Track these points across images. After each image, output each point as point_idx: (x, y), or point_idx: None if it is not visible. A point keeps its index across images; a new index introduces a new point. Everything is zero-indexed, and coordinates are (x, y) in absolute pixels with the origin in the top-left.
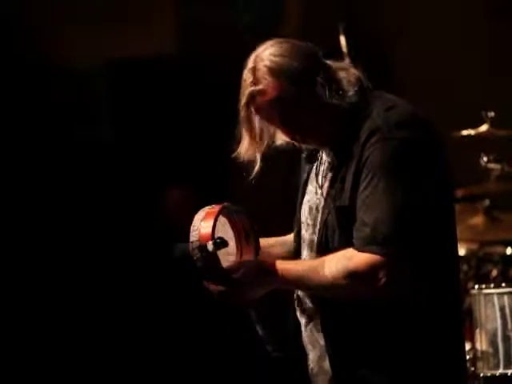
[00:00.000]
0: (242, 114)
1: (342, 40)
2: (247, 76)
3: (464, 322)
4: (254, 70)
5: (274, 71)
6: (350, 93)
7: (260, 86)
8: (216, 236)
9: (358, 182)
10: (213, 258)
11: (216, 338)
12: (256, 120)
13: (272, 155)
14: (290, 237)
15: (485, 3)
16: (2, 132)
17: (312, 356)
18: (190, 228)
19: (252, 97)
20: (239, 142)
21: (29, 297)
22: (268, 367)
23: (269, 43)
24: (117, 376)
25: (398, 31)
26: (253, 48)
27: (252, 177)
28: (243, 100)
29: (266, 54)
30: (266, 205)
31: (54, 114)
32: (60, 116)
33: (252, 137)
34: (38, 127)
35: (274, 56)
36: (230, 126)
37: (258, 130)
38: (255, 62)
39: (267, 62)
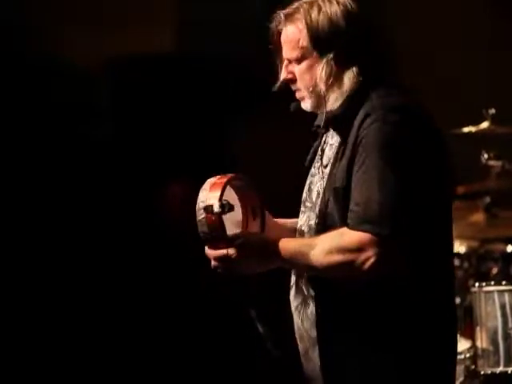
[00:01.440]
0: (272, 26)
1: None
2: (296, 4)
3: (456, 313)
4: (301, 6)
5: (307, 22)
6: (361, 76)
7: (286, 21)
8: (224, 199)
9: (352, 164)
10: (217, 219)
11: (216, 335)
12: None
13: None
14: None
15: (486, 2)
16: (3, 130)
17: (301, 346)
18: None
19: (278, 21)
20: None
21: (27, 294)
22: (268, 365)
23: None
24: (117, 376)
25: (399, 27)
26: (252, 46)
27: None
28: (277, 18)
29: (321, 4)
30: (268, 198)
31: (55, 112)
32: (61, 114)
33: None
34: (39, 126)
35: (321, 12)
36: (231, 123)
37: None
38: (312, 2)
39: (313, 11)
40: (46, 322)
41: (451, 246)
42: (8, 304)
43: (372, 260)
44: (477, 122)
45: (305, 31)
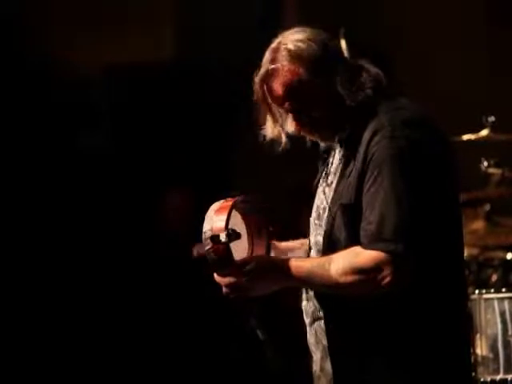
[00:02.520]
0: (256, 91)
1: (343, 44)
2: (267, 54)
3: (469, 323)
4: (276, 50)
5: (294, 55)
6: (367, 91)
7: (276, 66)
8: (229, 228)
9: (363, 181)
10: (225, 248)
11: (217, 343)
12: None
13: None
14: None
15: (485, 8)
16: (1, 137)
17: (315, 357)
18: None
19: (267, 75)
20: (260, 122)
21: (30, 305)
22: (268, 372)
23: (297, 29)
24: (117, 376)
25: (398, 38)
26: (251, 56)
27: (279, 151)
28: (258, 77)
29: (290, 38)
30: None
31: (53, 119)
32: (60, 121)
33: (273, 116)
34: (37, 132)
35: (298, 41)
36: (231, 132)
37: (276, 111)
38: (279, 43)
39: (290, 45)
40: (46, 325)
41: (462, 254)
42: (9, 306)
43: (388, 279)
44: (476, 130)
45: (300, 68)
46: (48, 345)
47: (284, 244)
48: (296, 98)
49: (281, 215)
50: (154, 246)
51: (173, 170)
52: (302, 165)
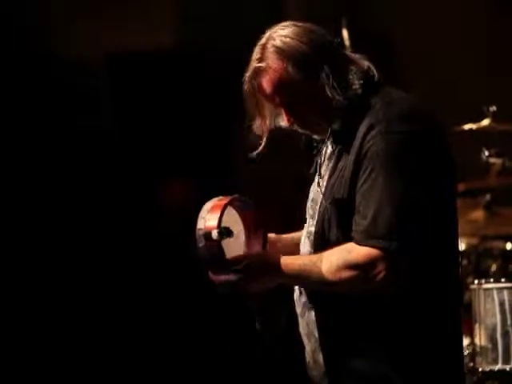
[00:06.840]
0: (246, 88)
1: (345, 33)
2: (256, 52)
3: (461, 318)
4: (264, 47)
5: (281, 52)
6: (356, 85)
7: (264, 64)
8: (222, 226)
9: (357, 175)
10: (216, 246)
11: (216, 335)
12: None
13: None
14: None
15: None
16: (2, 123)
17: (308, 349)
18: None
19: (255, 73)
20: (248, 119)
21: (23, 290)
22: (267, 362)
23: (285, 24)
24: (117, 376)
25: (399, 28)
26: (252, 42)
27: (257, 154)
28: (247, 74)
29: (278, 33)
30: (266, 197)
31: (54, 105)
32: (60, 107)
33: (260, 113)
34: (38, 118)
35: (286, 37)
36: (231, 119)
37: (264, 107)
38: (267, 39)
39: (277, 42)
40: (44, 321)
41: (457, 248)
42: (6, 304)
43: (381, 275)
44: (477, 120)
45: (287, 64)
46: (47, 344)
47: (276, 236)
48: (285, 94)
49: (283, 203)
50: (153, 237)
51: (172, 159)
52: (303, 153)
